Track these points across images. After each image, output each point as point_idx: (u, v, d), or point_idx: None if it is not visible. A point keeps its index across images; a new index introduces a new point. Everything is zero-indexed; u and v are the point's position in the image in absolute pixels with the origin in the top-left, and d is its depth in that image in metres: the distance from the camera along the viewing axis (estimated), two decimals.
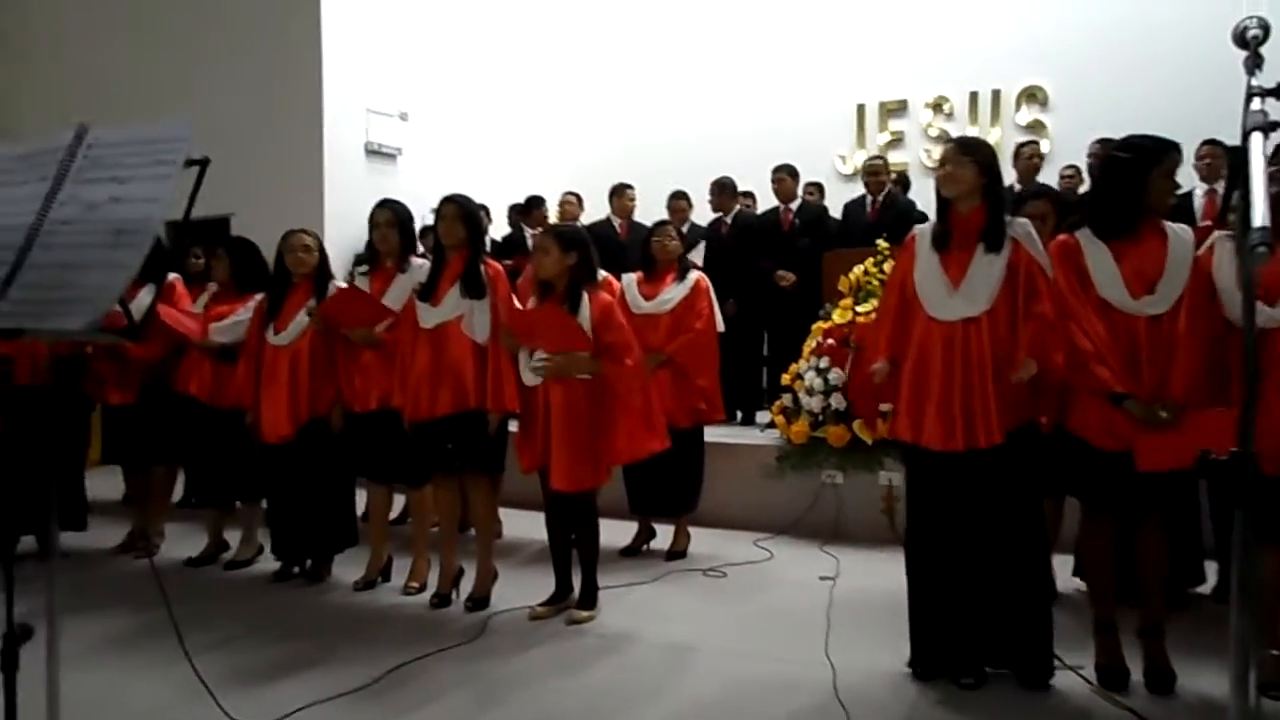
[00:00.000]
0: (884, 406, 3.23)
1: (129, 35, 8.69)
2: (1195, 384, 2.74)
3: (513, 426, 3.85)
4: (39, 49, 9.27)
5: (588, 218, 7.26)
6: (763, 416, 6.12)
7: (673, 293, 4.53)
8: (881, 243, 5.37)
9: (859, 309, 5.18)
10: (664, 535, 4.75)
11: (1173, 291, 2.81)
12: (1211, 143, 5.80)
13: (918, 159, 9.46)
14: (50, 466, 4.16)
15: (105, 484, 5.62)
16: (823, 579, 4.18)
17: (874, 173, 6.77)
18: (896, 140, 9.72)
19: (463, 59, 9.21)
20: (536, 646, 3.41)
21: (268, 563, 4.46)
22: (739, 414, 6.38)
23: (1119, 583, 3.04)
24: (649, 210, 6.77)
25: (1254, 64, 1.54)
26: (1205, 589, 3.78)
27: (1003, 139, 8.79)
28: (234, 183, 6.40)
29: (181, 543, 4.85)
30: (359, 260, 4.50)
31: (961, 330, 2.84)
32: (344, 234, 7.16)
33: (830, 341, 5.19)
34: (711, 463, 4.82)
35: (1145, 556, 2.94)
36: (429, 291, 3.76)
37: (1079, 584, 3.74)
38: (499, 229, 8.08)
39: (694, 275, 4.61)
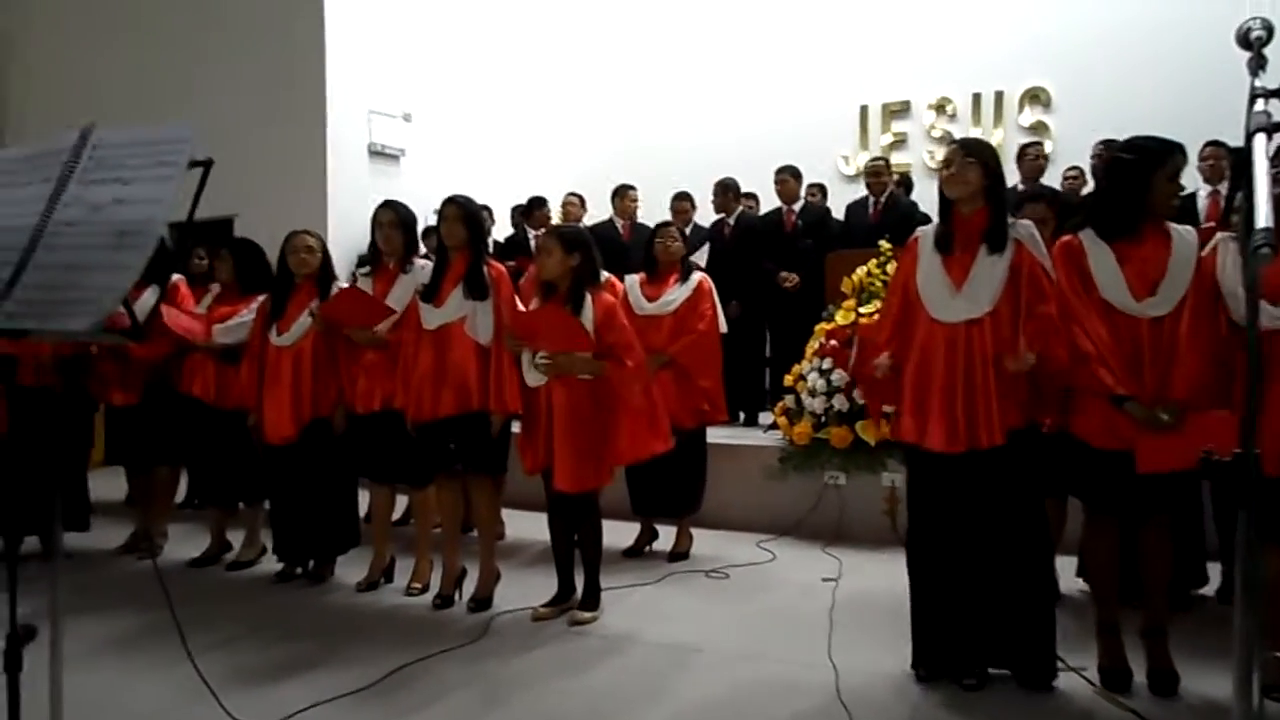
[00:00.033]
0: (887, 408, 3.23)
1: (131, 36, 8.71)
2: (1197, 386, 2.73)
3: (515, 428, 3.85)
4: (40, 50, 9.29)
5: (590, 219, 7.26)
6: (765, 418, 6.12)
7: (675, 294, 4.53)
8: (884, 244, 5.37)
9: (862, 310, 5.18)
10: (666, 536, 4.75)
11: (1175, 293, 2.80)
12: (1215, 144, 5.80)
13: (921, 160, 9.46)
14: (54, 467, 4.18)
15: (108, 485, 5.63)
16: (825, 580, 4.17)
17: (876, 174, 6.78)
18: (899, 141, 9.72)
19: (466, 60, 9.22)
20: (539, 647, 3.41)
21: (270, 563, 4.46)
22: (742, 415, 6.38)
23: (1122, 584, 3.04)
24: (652, 211, 6.78)
25: (1257, 65, 1.53)
26: (1208, 590, 3.77)
27: (1005, 140, 8.79)
28: (237, 184, 6.41)
29: (184, 543, 4.86)
30: (361, 261, 4.51)
31: (964, 332, 2.84)
32: (347, 235, 7.16)
33: (833, 342, 5.19)
34: (714, 464, 4.82)
35: (1148, 558, 2.94)
36: (432, 292, 3.76)
37: (1082, 585, 3.73)
38: (502, 230, 8.09)
39: (697, 276, 4.61)
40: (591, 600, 3.72)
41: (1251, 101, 1.47)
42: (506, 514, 4.89)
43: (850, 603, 3.83)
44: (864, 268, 5.40)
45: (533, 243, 6.78)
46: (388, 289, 3.98)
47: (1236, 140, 1.47)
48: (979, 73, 9.21)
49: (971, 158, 2.89)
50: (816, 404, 5.09)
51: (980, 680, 2.91)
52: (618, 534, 4.47)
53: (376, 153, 8.30)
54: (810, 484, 5.04)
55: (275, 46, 8.02)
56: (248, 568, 4.54)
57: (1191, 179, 4.78)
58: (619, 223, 7.04)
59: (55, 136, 1.70)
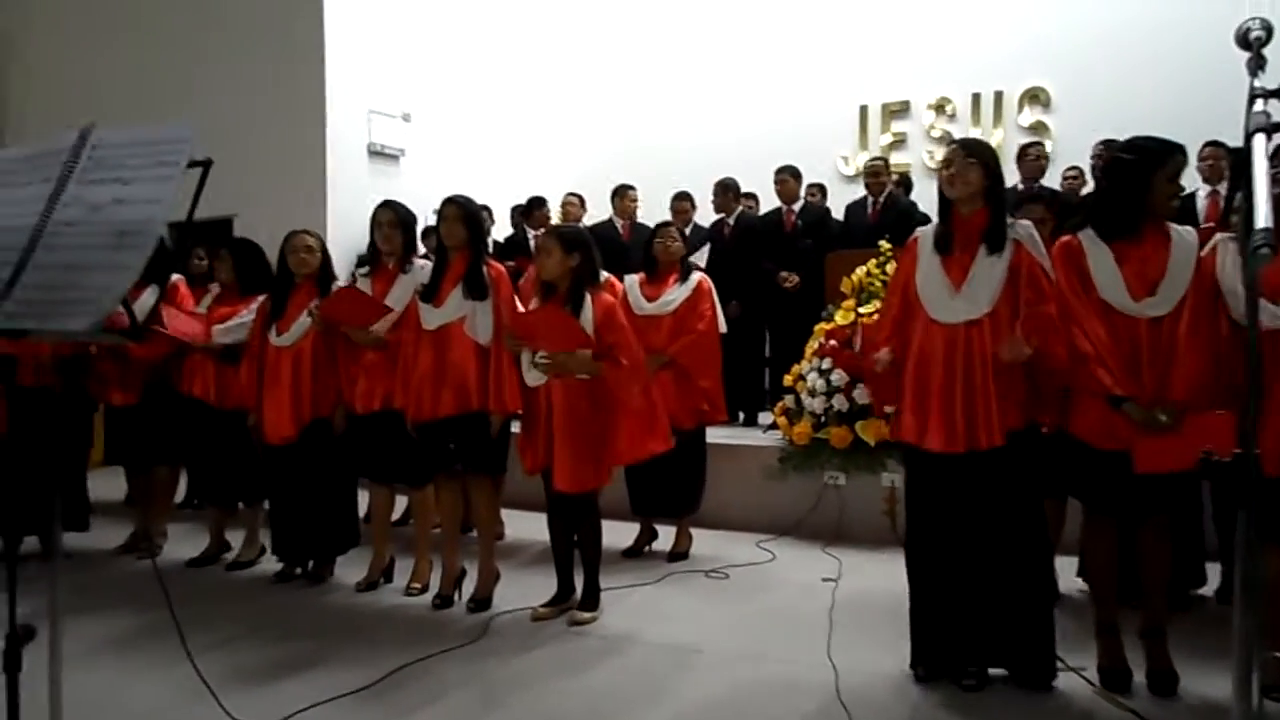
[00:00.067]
0: (888, 408, 3.23)
1: (131, 36, 8.71)
2: (1196, 386, 2.73)
3: (515, 428, 3.85)
4: (40, 50, 9.28)
5: (590, 219, 7.26)
6: (765, 418, 6.12)
7: (675, 294, 4.53)
8: (884, 244, 5.37)
9: (861, 310, 5.18)
10: (666, 536, 4.75)
11: (1174, 293, 2.80)
12: (1214, 144, 5.80)
13: (920, 160, 9.46)
14: (53, 467, 4.17)
15: (108, 485, 5.63)
16: (825, 580, 4.17)
17: (874, 174, 6.78)
18: (899, 141, 9.72)
19: (465, 60, 9.22)
20: (538, 647, 3.41)
21: (270, 563, 4.46)
22: (741, 415, 6.38)
23: (1121, 584, 3.04)
24: (652, 211, 6.78)
25: (1257, 65, 1.53)
26: (1208, 590, 3.77)
27: (1005, 140, 8.80)
28: (237, 184, 6.42)
29: (184, 543, 4.86)
30: (361, 261, 4.52)
31: (963, 332, 2.84)
32: (347, 235, 7.16)
33: (833, 343, 5.19)
34: (714, 464, 4.82)
35: (1147, 558, 2.94)
36: (431, 293, 3.76)
37: (1081, 585, 3.73)
38: (501, 230, 8.09)
39: (696, 276, 4.61)
40: (591, 600, 3.72)
41: (1251, 101, 1.47)
42: (506, 514, 4.89)
43: (850, 603, 3.83)
44: (863, 268, 5.40)
45: (532, 243, 6.79)
46: (387, 289, 3.98)
47: (1236, 140, 1.47)
48: (978, 73, 9.22)
49: (972, 158, 2.89)
50: (816, 404, 5.09)
51: (980, 680, 2.92)
52: (617, 534, 4.47)
53: (376, 153, 8.30)
54: (810, 484, 5.04)
55: (275, 46, 8.02)
56: (247, 568, 4.54)
57: (1191, 179, 4.79)
58: (619, 223, 7.04)
59: (55, 136, 1.71)
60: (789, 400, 5.35)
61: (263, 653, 3.37)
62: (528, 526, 4.87)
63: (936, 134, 9.47)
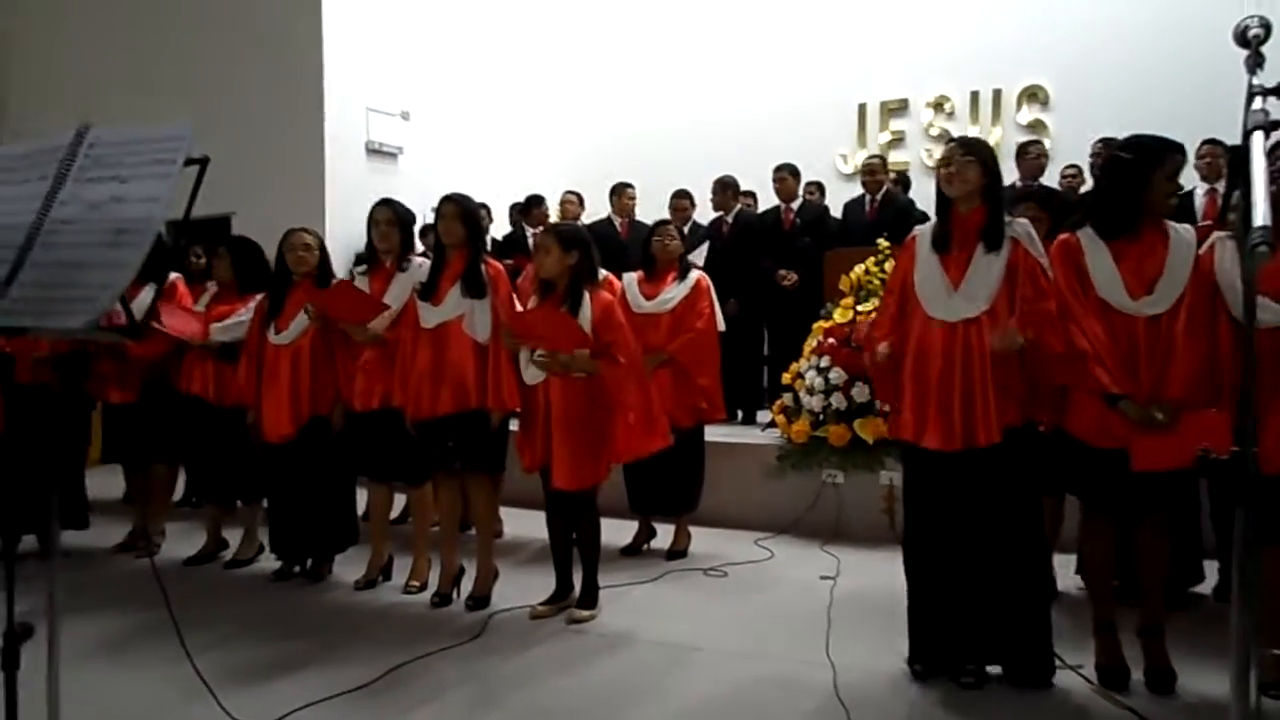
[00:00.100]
0: (884, 407, 3.23)
1: (130, 34, 8.69)
2: (1193, 385, 2.73)
3: (514, 426, 3.85)
4: (39, 47, 9.26)
5: (588, 217, 7.26)
6: (763, 416, 6.12)
7: (673, 292, 4.53)
8: (882, 242, 5.37)
9: (860, 308, 5.19)
10: (664, 534, 4.75)
11: (1172, 291, 2.80)
12: (1212, 142, 5.80)
13: (919, 158, 9.46)
14: (51, 465, 4.17)
15: (106, 483, 5.62)
16: (823, 578, 4.18)
17: (871, 172, 6.78)
18: (898, 140, 9.72)
19: (464, 58, 9.21)
20: (537, 645, 3.41)
21: (268, 562, 4.46)
22: (740, 413, 6.38)
23: (1119, 582, 3.04)
24: (651, 209, 6.77)
25: (1255, 63, 1.53)
26: (1205, 588, 3.77)
27: (1004, 138, 8.80)
28: (235, 182, 6.41)
29: (182, 542, 4.85)
30: (359, 259, 4.52)
31: (961, 330, 2.84)
32: (345, 233, 7.15)
33: (831, 341, 5.19)
34: (712, 462, 4.82)
35: (1145, 556, 2.94)
36: (430, 291, 3.76)
37: (1079, 583, 3.73)
38: (500, 228, 8.08)
39: (695, 275, 4.61)
40: (589, 598, 3.72)
41: (1249, 99, 1.47)
42: (504, 512, 4.89)
43: (848, 601, 3.84)
44: (862, 266, 5.40)
45: (530, 241, 6.79)
46: (385, 287, 3.98)
47: (1234, 138, 1.48)
48: (977, 71, 9.21)
49: (970, 156, 2.89)
50: (814, 402, 5.09)
51: (978, 678, 2.92)
52: (616, 532, 4.47)
53: (374, 151, 8.29)
54: (808, 482, 5.04)
55: (274, 44, 8.01)
56: (245, 566, 4.54)
57: (1189, 177, 4.79)
58: (617, 221, 7.03)
59: (52, 134, 1.70)
60: (787, 398, 5.36)
61: (261, 651, 3.37)
62: (526, 525, 4.87)
63: (935, 132, 9.47)
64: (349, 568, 4.28)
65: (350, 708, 2.86)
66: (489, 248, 5.70)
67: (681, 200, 6.77)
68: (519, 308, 3.78)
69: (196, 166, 1.62)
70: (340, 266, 5.12)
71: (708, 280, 4.63)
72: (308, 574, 4.31)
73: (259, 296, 4.33)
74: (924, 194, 5.97)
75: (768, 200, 7.16)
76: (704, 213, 7.00)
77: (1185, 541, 3.52)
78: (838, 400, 5.00)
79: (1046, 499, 3.13)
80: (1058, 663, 2.93)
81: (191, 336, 4.37)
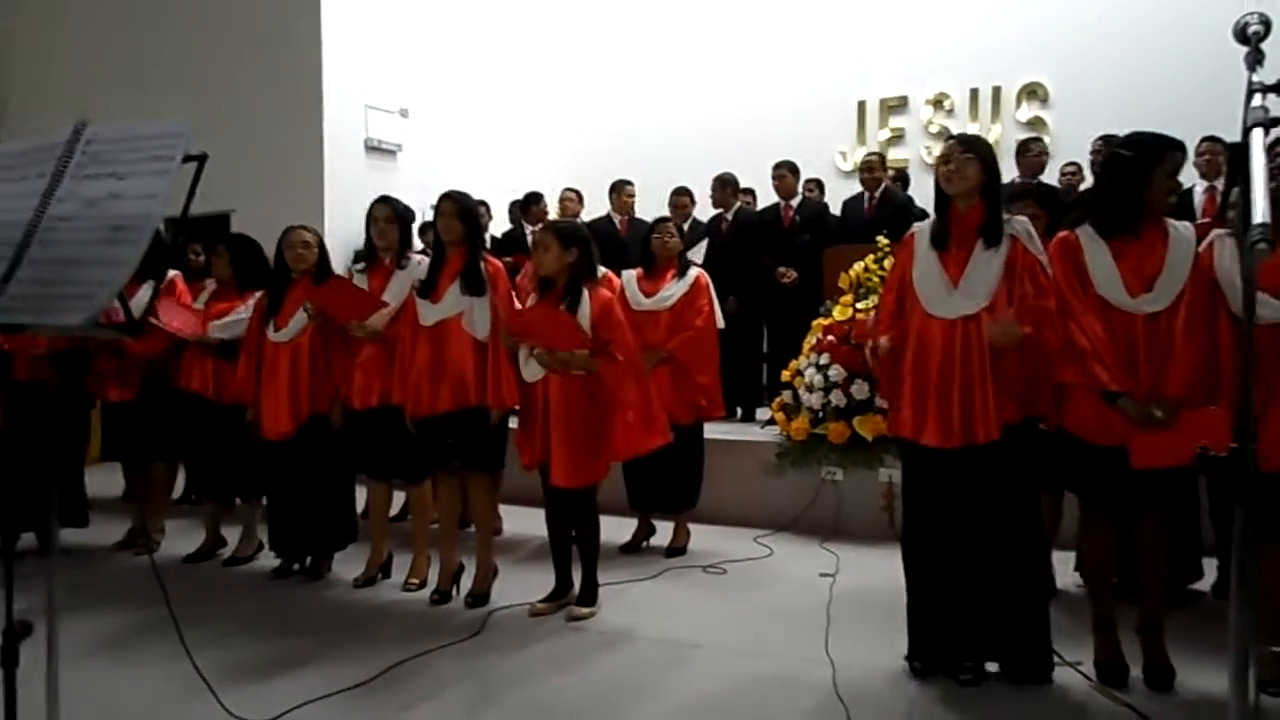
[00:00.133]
0: (884, 403, 3.23)
1: (129, 33, 8.68)
2: (1192, 382, 2.73)
3: (513, 423, 3.85)
4: (39, 44, 9.25)
5: (588, 214, 7.25)
6: (763, 413, 6.12)
7: (673, 289, 4.53)
8: (882, 239, 5.37)
9: (859, 305, 5.18)
10: (664, 532, 4.75)
11: (1171, 289, 2.80)
12: (1211, 139, 5.80)
13: (918, 156, 9.44)
14: (50, 463, 4.16)
15: (105, 481, 5.62)
16: (823, 576, 4.18)
17: (868, 169, 6.77)
18: (897, 137, 9.71)
19: (463, 55, 9.20)
20: (536, 643, 3.41)
21: (267, 559, 4.46)
22: (739, 411, 6.38)
23: (1118, 579, 3.04)
24: (651, 207, 6.77)
25: (1255, 60, 1.53)
26: (1204, 586, 3.77)
27: (1003, 136, 8.80)
28: (234, 179, 6.40)
29: (182, 539, 4.85)
30: (358, 257, 4.53)
31: (960, 327, 2.84)
32: (344, 230, 7.15)
33: (830, 338, 5.19)
34: (711, 459, 4.82)
35: (1144, 553, 2.94)
36: (429, 288, 3.76)
37: (1078, 580, 3.74)
38: (499, 225, 8.08)
39: (694, 272, 4.61)
40: (589, 596, 3.72)
41: (1249, 96, 1.47)
42: (504, 510, 4.89)
43: (847, 598, 3.84)
44: (861, 263, 5.40)
45: (530, 238, 6.78)
46: (384, 285, 3.97)
47: (1233, 135, 1.48)
48: (976, 68, 9.21)
49: (970, 154, 2.88)
50: (814, 399, 5.09)
51: (976, 675, 2.92)
52: (615, 529, 4.47)
53: (373, 148, 8.29)
54: (807, 479, 5.04)
55: (273, 43, 8.00)
56: (245, 563, 4.54)
57: (1188, 175, 4.79)
58: (617, 218, 7.03)
59: (49, 131, 1.70)
60: (787, 396, 5.35)
61: (260, 648, 3.37)
62: (525, 522, 4.87)
63: (934, 129, 9.47)
64: (348, 565, 4.28)
65: (350, 705, 2.86)
66: (488, 245, 5.70)
67: (681, 197, 6.77)
68: (518, 306, 3.77)
69: (194, 163, 1.62)
70: (339, 264, 5.12)
71: (707, 278, 4.63)
72: (307, 572, 4.31)
73: (258, 294, 4.33)
74: (923, 191, 5.96)
75: (767, 197, 7.16)
76: (704, 210, 6.99)
77: (1184, 539, 3.52)
78: (837, 397, 5.00)
79: (1045, 497, 3.13)
80: (1056, 660, 2.93)
81: (189, 334, 4.37)
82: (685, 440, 4.42)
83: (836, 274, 5.57)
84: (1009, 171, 5.87)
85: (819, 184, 7.90)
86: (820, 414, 5.07)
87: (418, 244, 5.50)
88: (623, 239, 6.70)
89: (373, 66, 8.26)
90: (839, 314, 5.26)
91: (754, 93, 9.94)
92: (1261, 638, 2.69)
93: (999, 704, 2.80)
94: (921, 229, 3.03)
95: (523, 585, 3.94)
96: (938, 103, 9.56)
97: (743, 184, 7.15)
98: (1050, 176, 6.57)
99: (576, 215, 7.07)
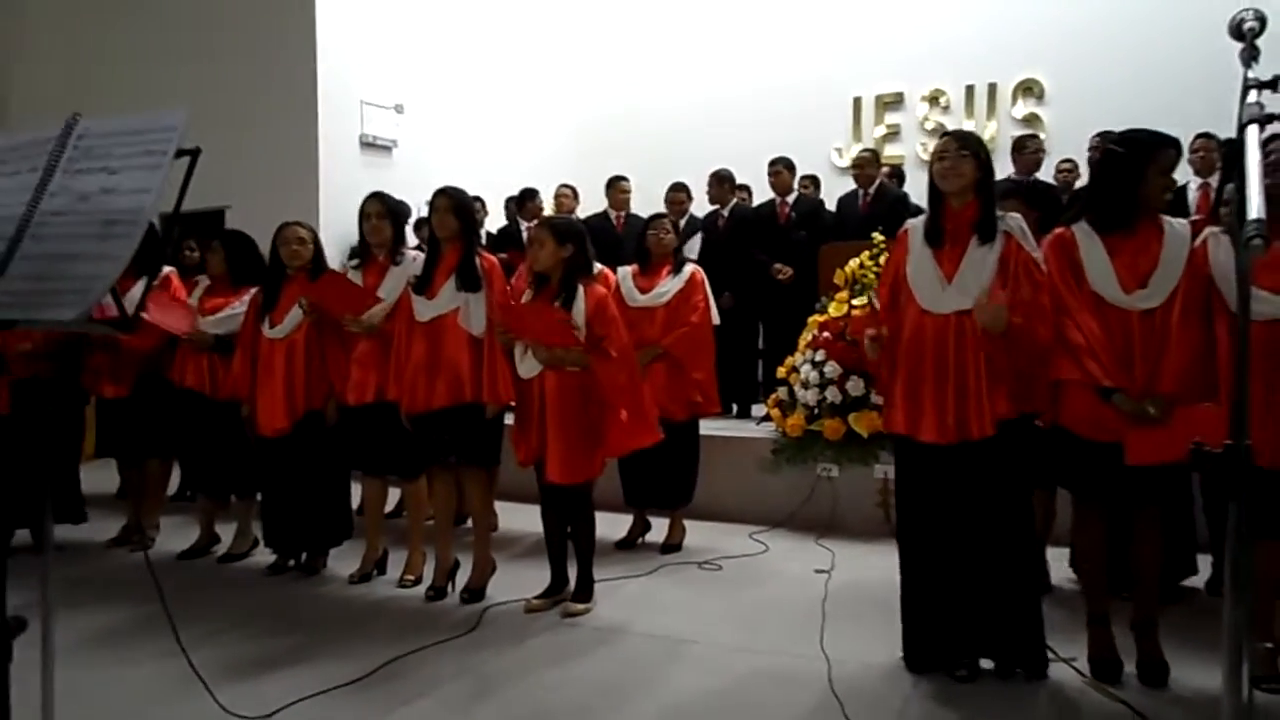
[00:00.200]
0: (877, 399, 3.23)
1: (124, 30, 8.65)
2: (1186, 378, 2.74)
3: (509, 420, 3.85)
4: (34, 44, 9.22)
5: (583, 210, 7.24)
6: (758, 409, 6.12)
7: (668, 286, 4.53)
8: (877, 235, 5.37)
9: (855, 302, 5.18)
10: (659, 528, 4.75)
11: (1166, 285, 2.80)
12: (1205, 136, 5.80)
13: (914, 152, 9.45)
14: (44, 459, 4.15)
15: (100, 477, 5.61)
16: (818, 572, 4.18)
17: (860, 165, 6.76)
18: (893, 133, 9.72)
19: (458, 51, 9.18)
20: (532, 639, 3.41)
21: (263, 556, 4.45)
22: (734, 407, 6.38)
23: (1112, 575, 3.05)
24: (648, 203, 6.76)
25: (1250, 56, 1.53)
26: (1198, 582, 3.78)
27: (999, 133, 8.81)
28: (229, 175, 6.39)
29: (176, 536, 4.84)
30: (353, 254, 4.53)
31: (955, 323, 2.84)
32: (339, 227, 7.12)
33: (826, 334, 5.19)
34: (707, 456, 4.82)
35: (1139, 550, 2.95)
36: (424, 284, 3.75)
37: (1072, 577, 3.75)
38: (495, 221, 8.07)
39: (689, 268, 4.61)
40: (584, 592, 3.72)
41: (1244, 93, 1.47)
42: (499, 506, 4.89)
43: (842, 594, 3.84)
44: (856, 259, 5.40)
45: (525, 235, 6.77)
46: (378, 281, 3.97)
47: (1228, 132, 1.48)
48: (972, 65, 9.22)
49: (965, 151, 2.88)
50: (809, 396, 5.09)
51: (971, 671, 2.92)
52: (610, 525, 4.47)
53: (368, 144, 8.27)
54: (803, 476, 5.05)
55: (267, 38, 7.98)
56: (239, 560, 4.53)
57: (1182, 172, 4.79)
58: (613, 214, 7.02)
59: (41, 125, 1.69)
60: (782, 392, 5.36)
61: (255, 645, 3.36)
62: (521, 518, 4.87)
63: (930, 126, 9.48)
64: (343, 562, 4.27)
65: (345, 701, 2.86)
66: (483, 241, 5.69)
67: (678, 193, 6.76)
68: (511, 303, 3.77)
69: (188, 158, 1.61)
70: (334, 260, 5.11)
71: (702, 274, 4.63)
72: (302, 568, 4.31)
73: (253, 290, 4.32)
74: (919, 187, 5.97)
75: (763, 194, 7.15)
76: (700, 206, 6.99)
77: (1179, 535, 3.52)
78: (832, 394, 5.00)
79: (1037, 493, 3.13)
80: (1051, 656, 2.94)
81: (179, 330, 4.35)
82: (681, 436, 4.42)
83: (832, 270, 5.57)
84: (1005, 169, 5.87)
85: (815, 180, 7.89)
86: (816, 410, 5.07)
87: (412, 240, 5.49)
88: (619, 235, 6.69)
89: (368, 62, 8.24)
90: (834, 310, 5.26)
91: (750, 89, 9.93)
92: (1255, 634, 2.69)
93: (993, 700, 2.81)
94: (915, 225, 3.03)
95: (518, 581, 3.93)
96: (933, 99, 9.57)
97: (739, 180, 7.14)
98: (1046, 173, 6.57)
99: (572, 211, 7.06)
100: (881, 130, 9.73)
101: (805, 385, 5.12)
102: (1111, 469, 2.77)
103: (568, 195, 7.36)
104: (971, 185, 2.88)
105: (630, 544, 4.72)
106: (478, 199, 5.71)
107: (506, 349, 3.64)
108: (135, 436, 4.70)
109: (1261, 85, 1.46)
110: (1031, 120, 9.03)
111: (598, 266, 4.18)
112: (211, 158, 1.73)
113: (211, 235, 4.81)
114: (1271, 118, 1.44)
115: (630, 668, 3.14)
